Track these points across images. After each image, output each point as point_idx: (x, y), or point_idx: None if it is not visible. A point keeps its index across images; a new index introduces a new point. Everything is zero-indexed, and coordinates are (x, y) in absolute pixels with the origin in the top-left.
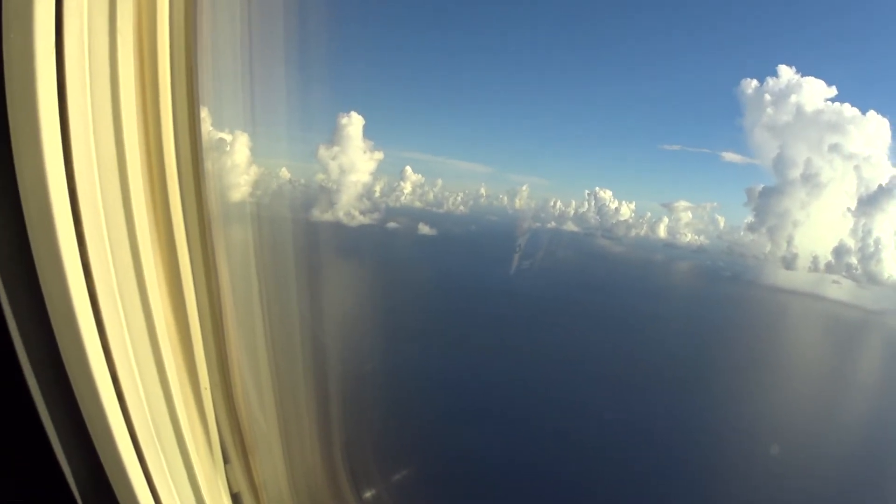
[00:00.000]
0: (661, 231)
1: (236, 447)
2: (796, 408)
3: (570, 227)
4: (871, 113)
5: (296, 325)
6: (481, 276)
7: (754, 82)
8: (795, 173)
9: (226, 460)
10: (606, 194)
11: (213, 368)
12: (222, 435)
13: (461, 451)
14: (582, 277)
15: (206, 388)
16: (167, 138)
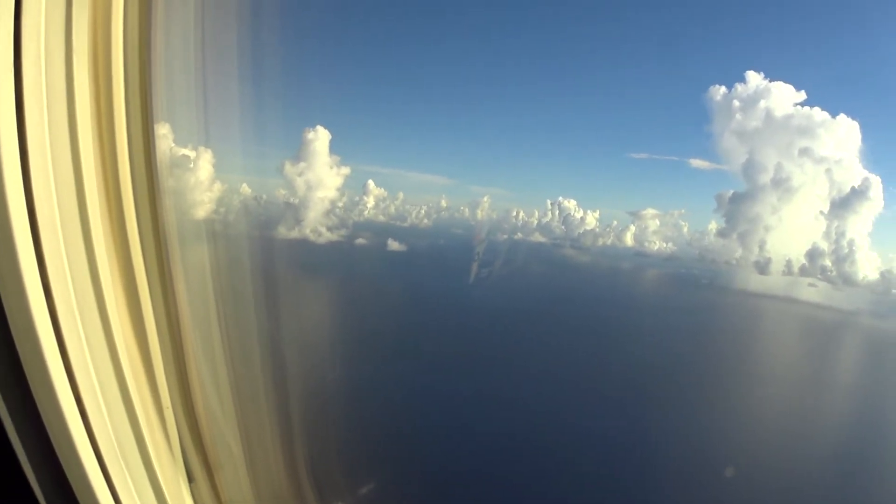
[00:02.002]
0: (629, 239)
1: (201, 465)
2: (776, 409)
3: (538, 237)
4: (842, 116)
5: (257, 344)
6: (454, 291)
7: (722, 89)
8: (766, 178)
9: (191, 479)
10: (571, 203)
11: (175, 388)
12: (186, 453)
13: (427, 463)
14: (556, 290)
15: (167, 408)
16: (122, 157)
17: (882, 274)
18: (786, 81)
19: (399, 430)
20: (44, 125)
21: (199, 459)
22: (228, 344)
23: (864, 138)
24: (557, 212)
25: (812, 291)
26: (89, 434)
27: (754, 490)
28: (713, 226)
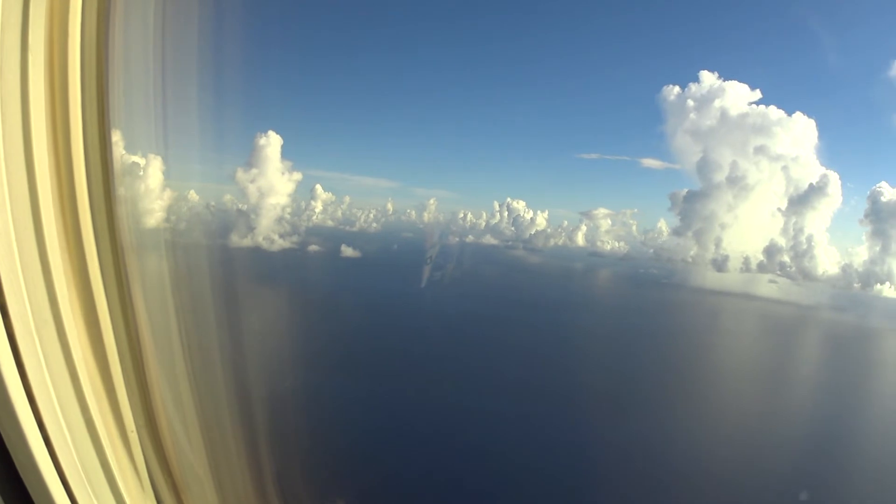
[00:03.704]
0: (580, 239)
1: (168, 487)
2: (740, 404)
3: (489, 239)
4: (798, 114)
5: (219, 359)
6: (412, 296)
7: (676, 88)
8: (720, 176)
9: (159, 501)
10: (520, 205)
11: (138, 409)
12: (153, 476)
13: (391, 470)
14: (514, 292)
15: (132, 431)
16: (78, 164)
17: (843, 268)
18: (741, 81)
19: (364, 439)
20: None
21: (166, 481)
22: (190, 360)
23: (822, 136)
24: (506, 213)
25: (772, 287)
26: (54, 461)
27: (721, 487)
28: (663, 224)
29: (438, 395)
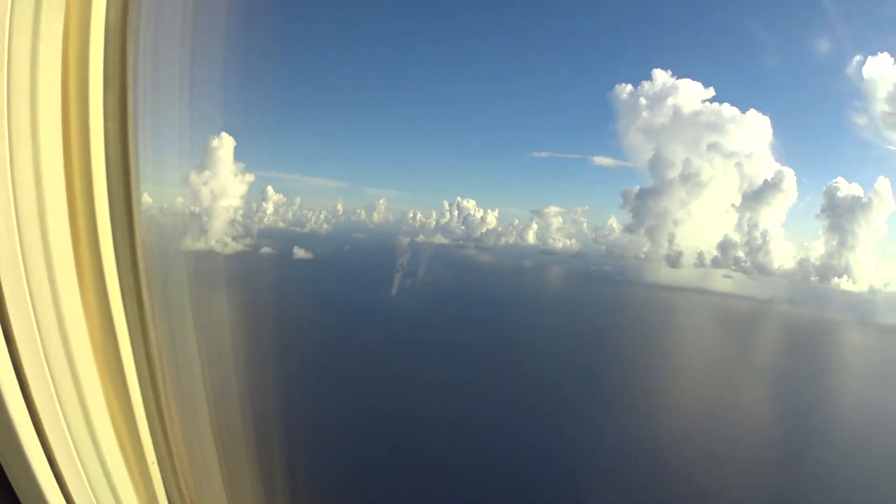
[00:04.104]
0: (531, 237)
1: None
2: (696, 399)
3: (440, 239)
4: (752, 111)
5: (235, 382)
6: (367, 298)
7: (629, 87)
8: (673, 173)
9: None
10: (470, 203)
11: (159, 439)
12: None
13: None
14: (468, 291)
15: (153, 463)
16: (98, 168)
17: (799, 262)
18: (694, 79)
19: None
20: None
21: None
22: (205, 386)
23: (777, 132)
24: (456, 212)
25: (727, 282)
26: (67, 499)
27: (681, 485)
28: (614, 221)
29: (395, 396)
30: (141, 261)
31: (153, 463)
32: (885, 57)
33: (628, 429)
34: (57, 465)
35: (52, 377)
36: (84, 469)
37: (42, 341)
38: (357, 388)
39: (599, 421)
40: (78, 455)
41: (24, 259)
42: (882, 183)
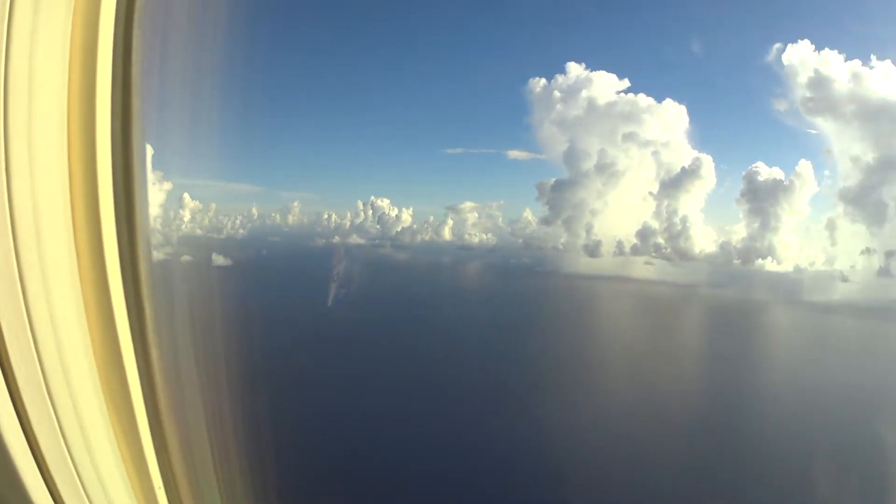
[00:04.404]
0: (447, 234)
1: None
2: (622, 387)
3: (356, 239)
4: (668, 101)
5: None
6: (285, 301)
7: (542, 81)
8: (589, 164)
9: None
10: (384, 202)
11: (165, 463)
12: None
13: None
14: (388, 290)
15: (160, 488)
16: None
17: (721, 246)
18: (609, 71)
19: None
20: None
21: None
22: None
23: (694, 120)
24: (371, 211)
25: (648, 269)
26: None
27: (608, 476)
28: (529, 214)
29: (322, 398)
30: (143, 263)
31: (160, 488)
32: (805, 44)
33: (555, 419)
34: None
35: (51, 400)
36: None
37: (38, 344)
38: (286, 391)
39: (527, 412)
40: (74, 464)
41: (18, 259)
42: (804, 166)
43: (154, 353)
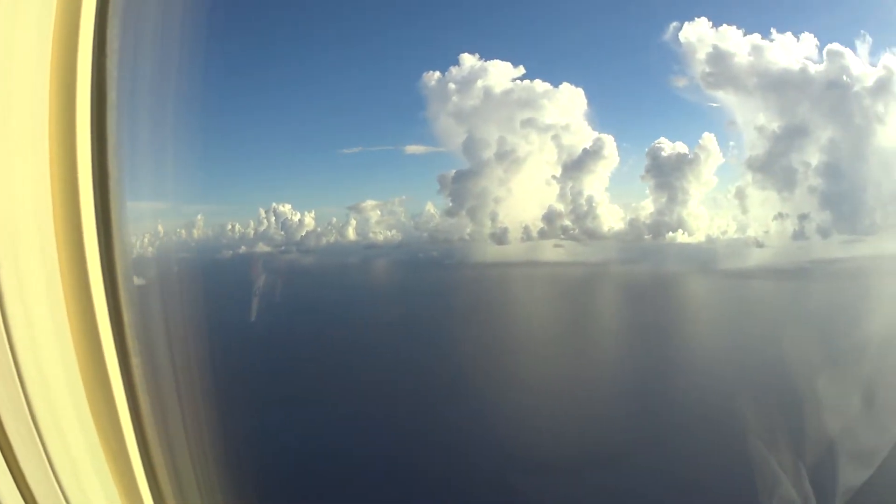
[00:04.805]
0: (351, 234)
1: None
2: (539, 365)
3: (262, 247)
4: (565, 84)
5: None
6: (202, 315)
7: (437, 74)
8: (489, 153)
9: None
10: (286, 208)
11: (149, 466)
12: None
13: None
14: (300, 297)
15: (144, 490)
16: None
17: (629, 223)
18: (503, 59)
19: None
20: None
21: None
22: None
23: (592, 102)
24: (273, 218)
25: (558, 251)
26: None
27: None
28: (431, 207)
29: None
30: (120, 264)
31: (144, 490)
32: (702, 21)
33: (480, 409)
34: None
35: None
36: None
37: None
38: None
39: (449, 405)
40: (54, 472)
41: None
42: (707, 138)
43: (134, 361)
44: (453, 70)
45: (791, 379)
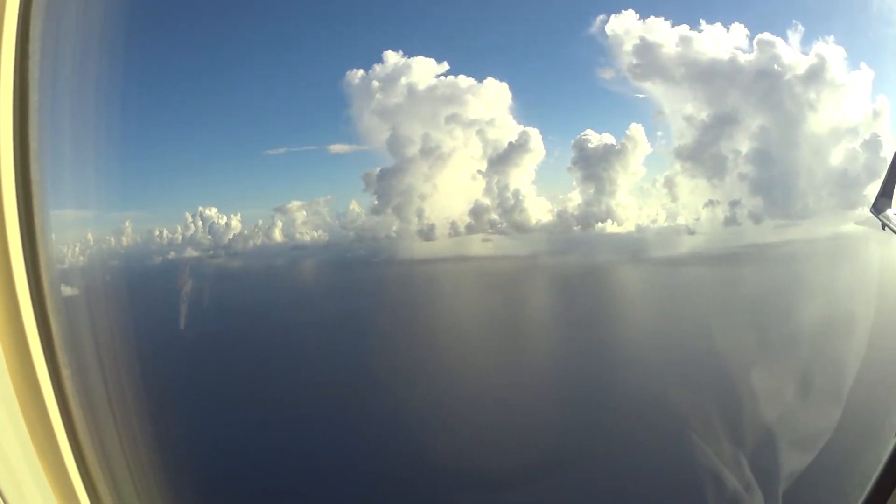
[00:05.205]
0: (278, 235)
1: None
2: (472, 359)
3: (190, 252)
4: (490, 79)
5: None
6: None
7: (360, 72)
8: (413, 150)
9: None
10: (212, 212)
11: (83, 469)
12: None
13: None
14: (221, 302)
15: (80, 493)
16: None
17: (557, 214)
18: (427, 56)
19: None
20: None
21: None
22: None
23: (517, 96)
24: (200, 222)
25: (486, 246)
26: None
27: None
28: (355, 206)
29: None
30: (46, 274)
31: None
32: (629, 14)
33: (411, 405)
34: None
35: None
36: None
37: None
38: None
39: (379, 403)
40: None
41: None
42: (635, 129)
43: (65, 373)
44: (377, 68)
45: (727, 366)
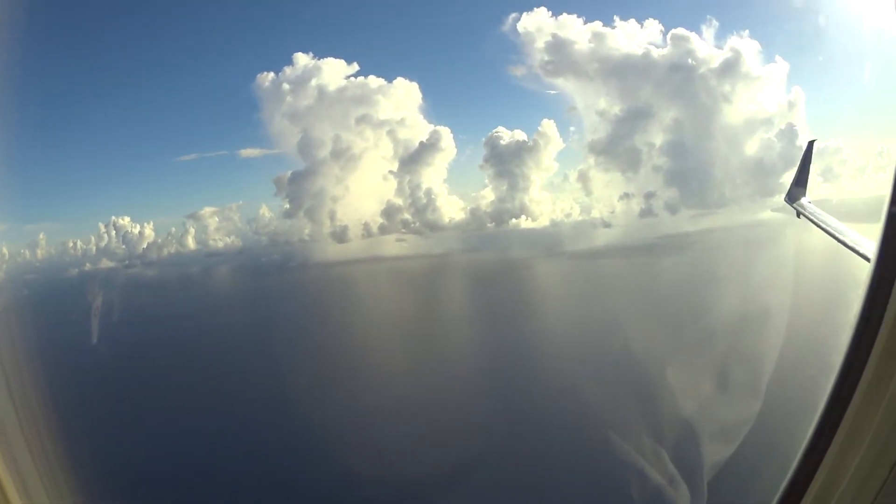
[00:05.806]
0: (191, 243)
1: None
2: (390, 359)
3: (106, 263)
4: (399, 79)
5: None
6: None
7: (270, 75)
8: (324, 152)
9: None
10: (125, 221)
11: None
12: None
13: None
14: (132, 313)
15: None
16: None
17: (470, 212)
18: (337, 57)
19: None
20: None
21: None
22: None
23: (427, 96)
24: (114, 232)
25: (401, 245)
26: None
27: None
28: (265, 210)
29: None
30: None
31: None
32: (541, 11)
33: (329, 404)
34: None
35: None
36: None
37: None
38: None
39: (300, 402)
40: None
41: None
42: (547, 125)
43: None
44: (287, 70)
45: (646, 359)
